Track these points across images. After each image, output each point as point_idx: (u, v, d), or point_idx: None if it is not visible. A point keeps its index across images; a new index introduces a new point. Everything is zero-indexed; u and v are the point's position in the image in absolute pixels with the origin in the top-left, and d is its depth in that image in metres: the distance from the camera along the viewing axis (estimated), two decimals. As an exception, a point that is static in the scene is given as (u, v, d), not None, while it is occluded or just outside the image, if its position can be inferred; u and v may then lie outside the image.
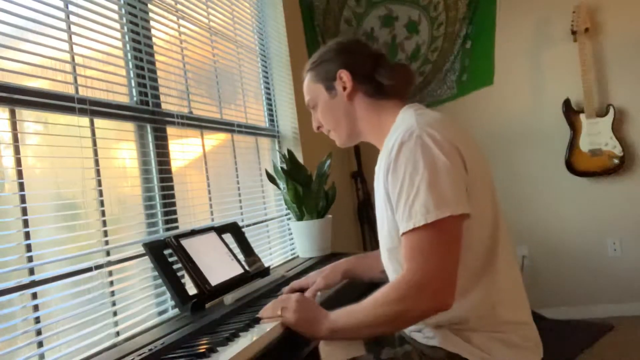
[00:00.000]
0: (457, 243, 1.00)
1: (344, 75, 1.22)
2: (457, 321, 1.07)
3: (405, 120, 1.12)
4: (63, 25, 1.37)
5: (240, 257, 1.79)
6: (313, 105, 1.32)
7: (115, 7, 1.57)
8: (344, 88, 1.23)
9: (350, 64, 1.23)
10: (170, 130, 1.74)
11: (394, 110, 1.20)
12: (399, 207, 1.02)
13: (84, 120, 1.39)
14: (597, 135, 2.99)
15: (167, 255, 1.49)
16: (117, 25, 1.58)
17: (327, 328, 1.10)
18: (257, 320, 1.21)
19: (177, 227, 1.70)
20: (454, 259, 0.99)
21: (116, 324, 1.39)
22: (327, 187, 2.33)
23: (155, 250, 1.46)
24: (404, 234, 1.01)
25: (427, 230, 0.97)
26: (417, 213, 0.98)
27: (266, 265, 1.86)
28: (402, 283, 0.99)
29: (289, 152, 2.27)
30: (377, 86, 1.21)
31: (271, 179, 2.26)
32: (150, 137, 1.65)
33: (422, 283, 0.97)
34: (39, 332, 1.17)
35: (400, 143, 1.04)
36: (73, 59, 1.39)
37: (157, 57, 1.71)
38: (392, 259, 1.14)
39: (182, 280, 1.50)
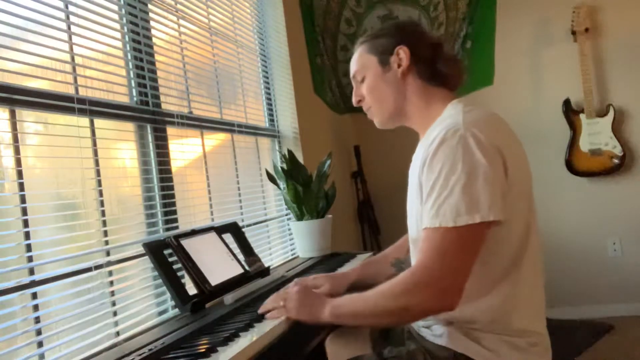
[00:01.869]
0: (476, 251, 0.98)
1: (403, 51, 1.18)
2: (468, 321, 1.06)
3: (452, 116, 1.10)
4: (63, 25, 1.37)
5: (240, 257, 1.79)
6: (360, 77, 1.26)
7: (115, 7, 1.57)
8: (399, 65, 1.19)
9: (413, 43, 1.19)
10: (170, 130, 1.74)
11: (443, 100, 1.17)
12: (429, 201, 1.00)
13: (84, 121, 1.39)
14: (597, 135, 2.99)
15: (167, 255, 1.49)
16: (117, 25, 1.58)
17: (330, 312, 1.10)
18: (258, 319, 1.21)
19: (177, 227, 1.70)
20: (468, 264, 0.98)
21: (116, 324, 1.38)
22: (327, 187, 2.33)
23: (155, 250, 1.46)
24: (427, 229, 0.99)
25: (452, 232, 0.96)
26: (447, 213, 0.96)
27: (266, 265, 1.86)
28: (410, 278, 0.99)
29: (289, 152, 2.27)
30: (433, 72, 1.18)
31: (271, 179, 2.26)
32: (150, 137, 1.65)
33: (430, 280, 0.96)
34: (39, 332, 1.17)
35: (442, 139, 1.01)
36: (73, 59, 1.39)
37: (157, 57, 1.71)
38: (417, 250, 1.13)
39: (182, 280, 1.50)
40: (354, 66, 1.28)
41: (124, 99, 1.58)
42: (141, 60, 1.64)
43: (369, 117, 1.29)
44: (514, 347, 1.06)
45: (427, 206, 1.00)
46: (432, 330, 1.12)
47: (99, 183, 1.42)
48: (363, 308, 1.06)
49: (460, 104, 1.14)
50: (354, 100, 1.30)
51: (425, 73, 1.19)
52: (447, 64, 1.18)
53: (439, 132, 1.04)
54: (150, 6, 1.72)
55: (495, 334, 1.06)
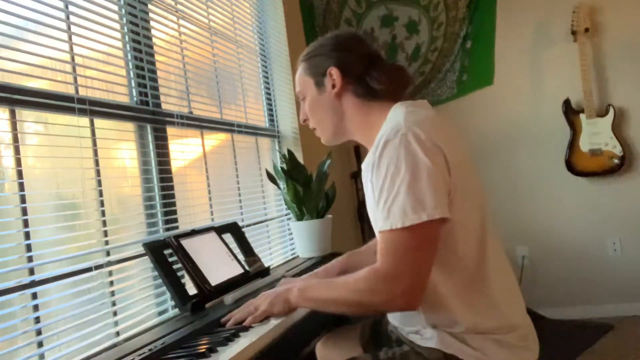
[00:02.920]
0: (432, 246, 1.00)
1: (334, 73, 1.20)
2: (451, 325, 1.08)
3: (394, 117, 1.12)
4: (63, 25, 1.37)
5: (240, 257, 1.79)
6: (302, 97, 1.30)
7: (115, 7, 1.57)
8: (333, 86, 1.21)
9: (343, 62, 1.20)
10: (170, 130, 1.74)
11: (383, 111, 1.18)
12: (379, 204, 1.02)
13: (84, 121, 1.39)
14: (597, 135, 2.99)
15: (167, 255, 1.49)
16: (117, 26, 1.58)
17: (297, 294, 1.14)
18: (245, 328, 1.18)
19: (177, 227, 1.70)
20: (426, 262, 0.99)
21: (116, 324, 1.39)
22: (327, 187, 2.33)
23: (155, 250, 1.46)
24: (381, 232, 1.01)
25: (403, 233, 0.98)
26: (395, 215, 0.98)
27: (266, 265, 1.86)
28: (372, 276, 1.01)
29: (289, 152, 2.27)
30: (367, 87, 1.19)
31: (271, 179, 2.26)
32: (150, 137, 1.65)
33: (391, 280, 0.98)
34: (39, 332, 1.17)
35: (385, 140, 1.03)
36: (73, 59, 1.39)
37: (157, 57, 1.71)
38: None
39: (182, 280, 1.50)
40: (297, 86, 1.31)
41: (124, 99, 1.58)
42: (141, 60, 1.64)
43: (316, 135, 1.32)
44: (500, 345, 1.07)
45: (378, 210, 1.03)
46: (421, 335, 1.13)
47: (99, 183, 1.42)
48: (328, 295, 1.09)
49: (403, 106, 1.15)
50: (300, 118, 1.33)
51: (359, 90, 1.20)
52: (382, 78, 1.18)
53: (382, 135, 1.06)
54: (150, 6, 1.72)
55: (479, 333, 1.07)
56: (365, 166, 1.12)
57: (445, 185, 1.01)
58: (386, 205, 1.00)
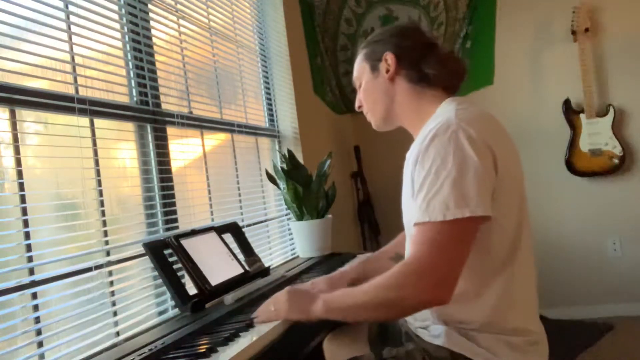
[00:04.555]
0: (468, 244, 0.99)
1: (389, 57, 1.22)
2: (465, 321, 1.07)
3: (444, 113, 1.12)
4: (63, 25, 1.37)
5: (240, 257, 1.79)
6: (359, 83, 1.33)
7: (115, 7, 1.57)
8: (387, 70, 1.23)
9: (400, 48, 1.23)
10: (170, 130, 1.74)
11: (435, 100, 1.19)
12: (419, 196, 1.01)
13: (84, 120, 1.39)
14: (597, 135, 2.99)
15: (167, 255, 1.49)
16: (117, 25, 1.58)
17: (322, 307, 1.10)
18: (252, 325, 1.20)
19: (177, 227, 1.70)
20: (460, 258, 0.98)
21: (116, 324, 1.38)
22: (327, 187, 2.33)
23: (155, 250, 1.46)
24: (417, 224, 1.00)
25: (443, 226, 0.97)
26: (436, 208, 0.97)
27: (266, 265, 1.86)
28: (404, 269, 0.99)
29: (289, 152, 2.27)
30: (421, 74, 1.21)
31: (271, 179, 2.26)
32: (150, 137, 1.65)
33: (422, 272, 0.97)
34: (39, 332, 1.17)
35: (434, 135, 1.03)
36: (73, 59, 1.39)
37: (157, 57, 1.71)
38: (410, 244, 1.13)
39: (182, 280, 1.50)
40: (354, 72, 1.35)
41: (124, 99, 1.58)
42: (141, 60, 1.64)
43: (368, 120, 1.34)
44: (511, 347, 1.06)
45: (417, 202, 1.01)
46: (430, 331, 1.12)
47: (99, 183, 1.42)
48: (355, 301, 1.06)
49: (454, 102, 1.16)
50: (356, 105, 1.36)
51: (412, 76, 1.22)
52: (437, 65, 1.20)
53: (431, 129, 1.05)
54: (150, 6, 1.72)
55: (491, 333, 1.06)
56: (409, 157, 1.11)
57: (490, 184, 1.01)
58: (427, 197, 0.99)
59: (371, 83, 1.28)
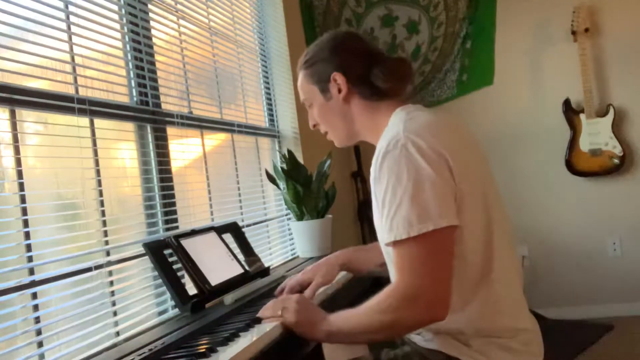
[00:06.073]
0: (447, 254, 0.99)
1: (338, 78, 1.20)
2: (455, 332, 1.07)
3: (394, 126, 1.10)
4: (63, 25, 1.37)
5: (240, 257, 1.78)
6: (309, 104, 1.30)
7: (115, 7, 1.57)
8: (339, 91, 1.21)
9: (345, 65, 1.20)
10: (170, 130, 1.74)
11: (388, 111, 1.18)
12: (382, 216, 1.01)
13: (84, 121, 1.39)
14: (597, 135, 2.99)
15: (167, 255, 1.49)
16: (117, 25, 1.58)
17: (325, 331, 1.10)
18: (257, 320, 1.21)
19: (177, 227, 1.70)
20: (445, 270, 0.98)
21: (116, 324, 1.38)
22: (327, 187, 2.33)
23: (155, 250, 1.46)
24: (387, 244, 1.01)
25: (411, 243, 0.96)
26: (399, 226, 0.97)
27: (266, 265, 1.86)
28: (394, 294, 0.99)
29: (289, 152, 2.26)
30: (373, 88, 1.18)
31: (271, 179, 2.26)
32: (150, 137, 1.65)
33: (414, 296, 0.97)
34: (39, 332, 1.17)
35: (384, 152, 1.03)
36: (73, 59, 1.39)
37: (157, 57, 1.71)
38: (389, 258, 1.14)
39: (182, 280, 1.50)
40: (300, 94, 1.31)
41: (124, 99, 1.58)
42: (141, 60, 1.64)
43: (328, 138, 1.33)
44: (504, 349, 1.06)
45: (382, 222, 1.02)
46: (423, 337, 1.13)
47: (99, 183, 1.42)
48: (355, 325, 1.06)
49: (403, 112, 1.14)
50: (310, 124, 1.33)
51: (365, 92, 1.20)
52: (386, 75, 1.17)
53: (382, 146, 1.05)
54: (150, 6, 1.72)
55: (483, 337, 1.06)
56: (370, 174, 1.12)
57: (451, 192, 1.00)
58: (389, 216, 0.99)
59: (326, 106, 1.25)
